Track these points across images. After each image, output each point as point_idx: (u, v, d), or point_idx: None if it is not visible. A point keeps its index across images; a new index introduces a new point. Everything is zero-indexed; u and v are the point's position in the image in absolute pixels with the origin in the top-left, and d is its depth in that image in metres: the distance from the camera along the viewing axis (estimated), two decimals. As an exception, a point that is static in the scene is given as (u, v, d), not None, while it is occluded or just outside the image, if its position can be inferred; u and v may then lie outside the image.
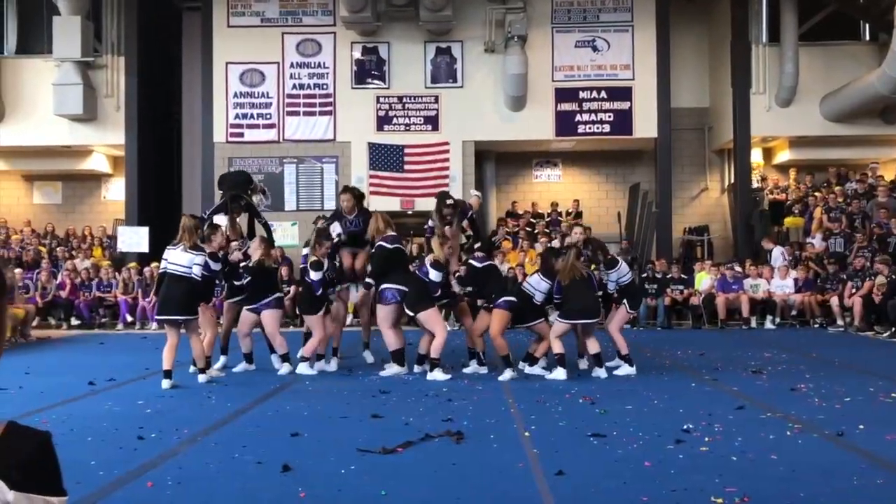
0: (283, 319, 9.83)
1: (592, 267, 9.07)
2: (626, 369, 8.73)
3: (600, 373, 8.56)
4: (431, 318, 8.65)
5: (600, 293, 9.00)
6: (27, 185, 19.86)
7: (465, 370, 8.98)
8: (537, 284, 8.85)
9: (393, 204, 16.79)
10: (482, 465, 4.94)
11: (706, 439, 5.54)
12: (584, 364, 9.16)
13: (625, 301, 9.01)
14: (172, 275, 8.33)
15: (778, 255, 15.71)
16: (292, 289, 14.65)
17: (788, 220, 17.47)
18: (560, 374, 8.41)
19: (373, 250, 9.09)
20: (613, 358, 9.04)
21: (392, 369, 8.70)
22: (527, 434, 5.77)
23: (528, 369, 8.84)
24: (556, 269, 8.68)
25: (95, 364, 9.87)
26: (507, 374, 8.55)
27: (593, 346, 8.64)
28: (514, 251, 16.34)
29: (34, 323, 14.10)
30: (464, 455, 5.18)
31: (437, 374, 8.50)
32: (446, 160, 17.10)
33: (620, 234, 18.53)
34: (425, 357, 8.89)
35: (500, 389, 7.88)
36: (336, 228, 9.39)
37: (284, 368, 9.01)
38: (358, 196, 9.75)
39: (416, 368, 8.94)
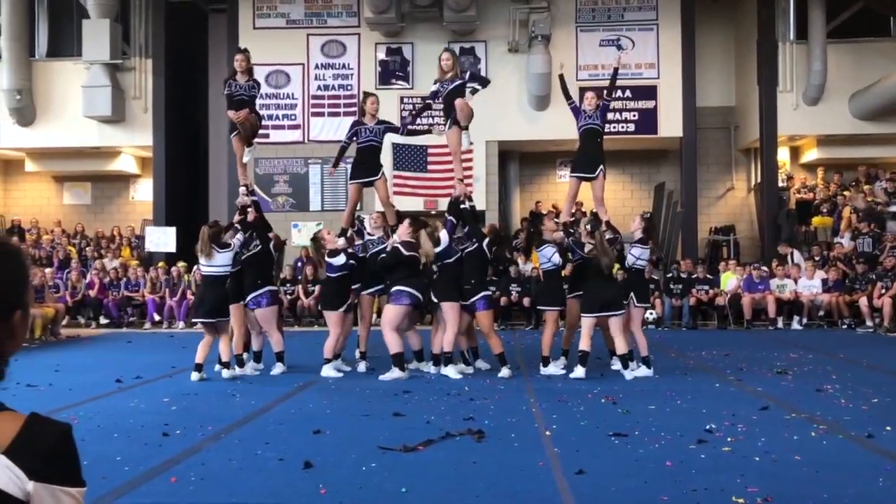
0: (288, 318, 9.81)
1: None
2: (643, 371, 8.67)
3: (625, 373, 8.52)
4: (452, 310, 8.67)
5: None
6: (58, 186, 20.18)
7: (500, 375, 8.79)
8: (551, 255, 8.95)
9: (416, 204, 16.83)
10: (503, 463, 4.95)
11: (729, 439, 5.50)
12: (616, 365, 9.05)
13: (632, 295, 8.86)
14: (208, 277, 8.72)
15: (798, 257, 15.59)
16: (317, 289, 14.77)
17: (816, 220, 17.27)
18: (579, 372, 8.39)
19: (387, 250, 8.95)
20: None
21: (392, 374, 8.55)
22: (548, 433, 5.77)
23: (542, 370, 8.84)
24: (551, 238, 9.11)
25: (123, 362, 10.01)
26: (505, 372, 8.61)
27: (621, 345, 8.59)
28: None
29: (64, 322, 14.33)
30: (484, 453, 5.19)
31: (450, 371, 8.58)
32: (470, 160, 17.06)
33: (645, 234, 18.44)
34: (440, 356, 8.91)
35: (522, 389, 7.88)
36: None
37: (277, 368, 9.04)
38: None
39: (432, 369, 8.96)
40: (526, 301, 14.76)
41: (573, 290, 9.09)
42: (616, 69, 9.76)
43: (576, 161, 9.64)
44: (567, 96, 9.58)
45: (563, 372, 8.78)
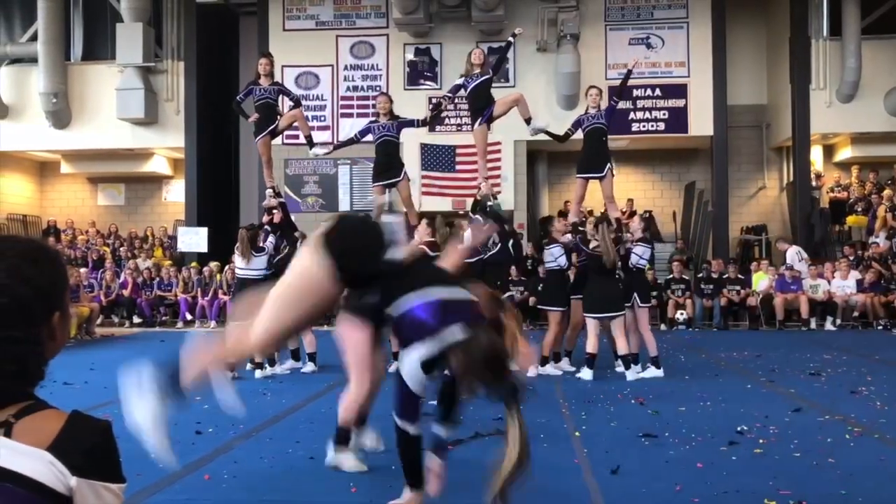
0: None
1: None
2: (652, 371, 8.57)
3: (628, 374, 8.39)
4: None
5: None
6: (92, 187, 20.51)
7: None
8: (558, 256, 8.92)
9: (445, 204, 16.85)
10: (532, 464, 4.93)
11: (761, 441, 5.44)
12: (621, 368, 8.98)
13: (635, 296, 8.67)
14: (244, 280, 8.85)
15: (793, 255, 15.26)
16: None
17: (851, 219, 17.01)
18: (586, 374, 8.35)
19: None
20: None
21: None
22: (577, 434, 5.76)
23: (539, 370, 8.78)
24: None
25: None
26: (533, 371, 8.56)
27: (621, 346, 8.45)
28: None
29: (98, 321, 14.57)
30: (513, 454, 5.18)
31: None
32: (498, 160, 17.08)
33: (676, 234, 18.29)
34: None
35: (551, 389, 7.86)
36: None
37: (309, 367, 9.14)
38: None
39: None
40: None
41: (577, 291, 9.00)
42: (629, 71, 9.71)
43: (581, 161, 9.59)
44: (562, 137, 9.56)
45: (561, 373, 8.76)
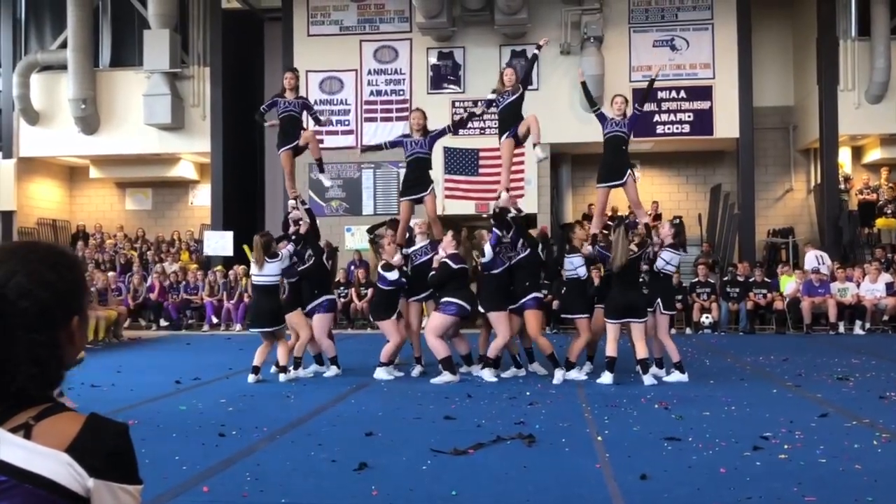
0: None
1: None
2: (677, 376, 8.49)
3: (645, 378, 8.29)
4: (501, 319, 8.70)
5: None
6: (120, 191, 20.78)
7: (504, 374, 8.95)
8: (577, 265, 8.90)
9: (468, 207, 16.85)
10: (553, 468, 4.93)
11: (786, 447, 5.38)
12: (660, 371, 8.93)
13: (659, 302, 8.61)
14: (261, 286, 8.85)
15: (812, 258, 15.01)
16: (370, 292, 14.92)
17: (880, 222, 16.77)
18: (606, 378, 8.29)
19: (435, 265, 8.96)
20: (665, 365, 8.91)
21: (444, 378, 8.56)
22: (599, 438, 5.73)
23: (565, 375, 8.73)
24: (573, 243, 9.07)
25: (182, 364, 10.25)
26: (559, 375, 8.54)
27: (640, 351, 8.37)
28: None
29: (126, 324, 14.74)
30: (535, 458, 5.18)
31: (486, 374, 8.65)
32: (521, 163, 17.01)
33: (701, 237, 18.14)
34: (487, 358, 8.90)
35: (573, 393, 7.84)
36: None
37: (331, 371, 9.19)
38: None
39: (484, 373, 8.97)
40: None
41: (602, 299, 8.91)
42: (652, 80, 9.63)
43: (601, 170, 9.46)
44: (592, 103, 9.54)
45: (586, 377, 8.71)
